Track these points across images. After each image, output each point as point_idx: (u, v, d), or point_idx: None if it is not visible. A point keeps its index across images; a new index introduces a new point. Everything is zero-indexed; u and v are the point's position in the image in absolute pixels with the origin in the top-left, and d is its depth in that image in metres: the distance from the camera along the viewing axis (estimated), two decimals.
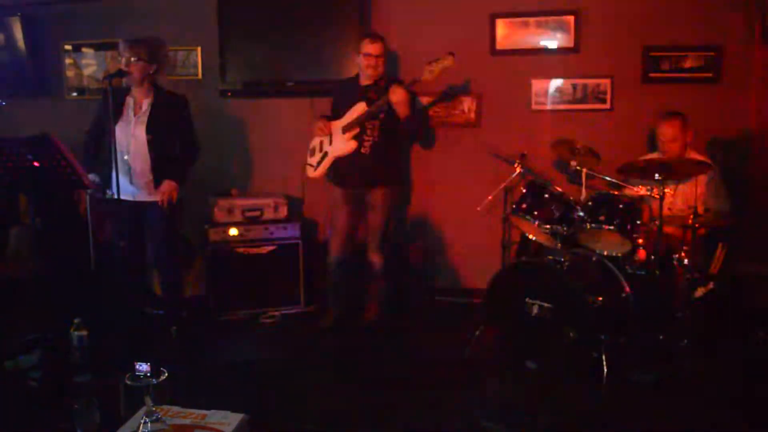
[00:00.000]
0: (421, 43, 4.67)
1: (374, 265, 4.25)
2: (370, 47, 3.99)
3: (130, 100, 3.77)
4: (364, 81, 4.11)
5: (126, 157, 3.71)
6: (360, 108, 4.04)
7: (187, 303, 4.34)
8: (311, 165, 4.31)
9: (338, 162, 4.17)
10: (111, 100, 3.47)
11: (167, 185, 3.79)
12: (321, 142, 4.26)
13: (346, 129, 4.08)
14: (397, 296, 4.63)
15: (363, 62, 4.02)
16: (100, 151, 3.83)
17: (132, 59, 3.63)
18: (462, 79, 4.59)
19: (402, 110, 3.91)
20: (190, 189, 4.02)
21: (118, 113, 3.66)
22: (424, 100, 4.66)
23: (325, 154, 4.21)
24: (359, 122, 4.03)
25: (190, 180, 4.00)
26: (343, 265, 4.29)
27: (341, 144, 4.12)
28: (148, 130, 3.72)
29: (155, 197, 3.79)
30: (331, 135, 4.19)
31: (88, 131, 3.91)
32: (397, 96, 3.83)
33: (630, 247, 3.55)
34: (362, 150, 4.07)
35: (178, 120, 3.87)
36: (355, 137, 4.07)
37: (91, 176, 3.73)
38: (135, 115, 3.75)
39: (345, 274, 4.32)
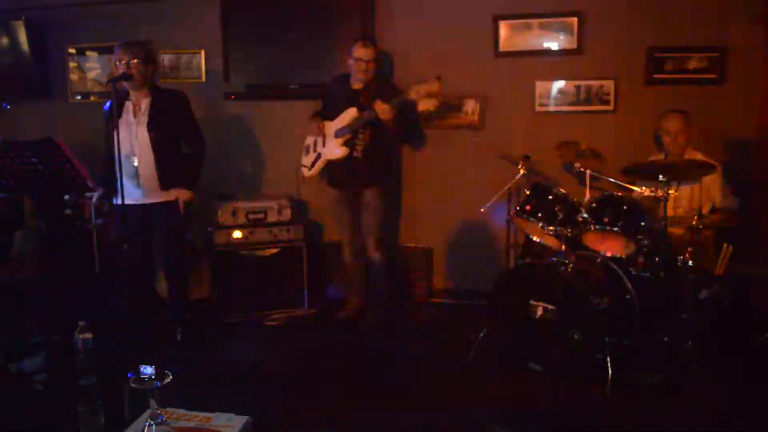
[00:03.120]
0: (424, 45, 4.68)
1: (375, 262, 4.30)
2: (362, 52, 4.03)
3: (129, 104, 3.77)
4: (355, 84, 4.15)
5: (133, 159, 3.72)
6: (351, 113, 4.08)
7: (192, 305, 4.35)
8: (305, 166, 4.39)
9: (332, 165, 4.23)
10: (115, 102, 3.48)
11: (183, 195, 3.82)
12: (315, 141, 4.32)
13: (338, 134, 4.14)
14: (399, 297, 4.65)
15: (354, 66, 4.07)
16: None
17: (133, 61, 3.63)
18: (464, 83, 4.59)
19: (390, 123, 3.99)
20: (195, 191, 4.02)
21: (119, 118, 3.66)
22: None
23: (318, 155, 4.27)
24: (351, 130, 4.09)
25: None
26: (358, 260, 4.40)
27: (333, 149, 4.17)
28: (150, 129, 3.73)
29: (163, 198, 3.81)
30: (324, 136, 4.24)
31: (105, 151, 3.82)
32: (384, 114, 3.88)
33: (634, 248, 3.55)
34: (355, 154, 4.14)
35: (180, 116, 3.87)
36: (346, 143, 4.12)
37: (97, 193, 3.75)
38: (135, 117, 3.75)
39: (361, 268, 4.43)
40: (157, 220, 3.87)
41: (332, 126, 4.19)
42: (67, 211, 3.96)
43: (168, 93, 3.87)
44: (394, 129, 4.10)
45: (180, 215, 3.86)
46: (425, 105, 3.97)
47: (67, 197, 3.83)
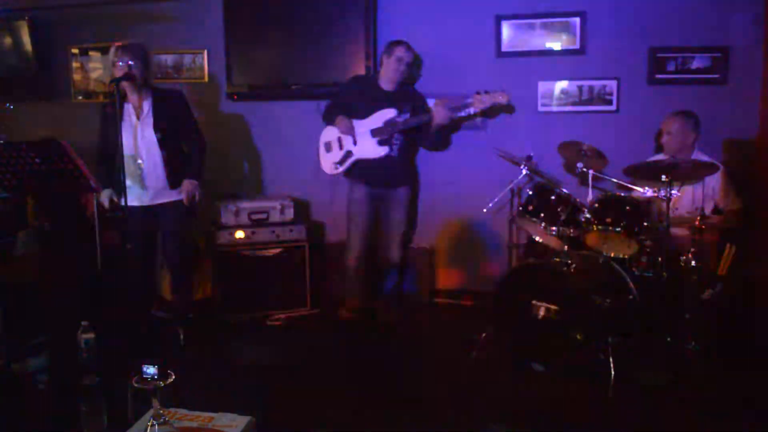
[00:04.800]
0: (426, 46, 4.68)
1: (393, 260, 4.36)
2: (406, 54, 4.13)
3: (129, 106, 3.76)
4: (387, 85, 4.20)
5: (139, 161, 3.72)
6: (389, 113, 4.13)
7: (194, 305, 4.35)
8: (335, 162, 4.32)
9: (365, 163, 4.22)
10: (118, 103, 3.47)
11: (189, 184, 3.81)
12: (339, 139, 4.29)
13: (375, 133, 4.15)
14: (403, 297, 4.65)
15: (392, 65, 4.13)
16: (113, 165, 3.78)
17: (131, 62, 3.62)
18: (466, 83, 4.58)
19: (437, 128, 4.11)
20: None
21: (120, 120, 3.65)
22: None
23: (348, 153, 4.25)
24: (392, 131, 4.12)
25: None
26: (362, 263, 4.36)
27: (370, 147, 4.18)
28: (156, 129, 3.73)
29: (169, 198, 3.82)
30: (354, 134, 4.21)
31: (98, 150, 3.83)
32: (441, 119, 4.07)
33: (637, 248, 3.54)
34: (391, 153, 4.19)
35: (181, 116, 3.87)
36: (384, 142, 4.15)
37: (107, 192, 3.73)
38: (138, 118, 3.75)
39: (363, 272, 4.39)
40: (162, 221, 3.88)
41: (364, 125, 4.19)
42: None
43: (167, 93, 3.88)
44: (436, 133, 4.22)
45: (184, 214, 3.86)
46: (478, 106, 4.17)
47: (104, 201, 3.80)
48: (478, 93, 4.08)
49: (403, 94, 4.22)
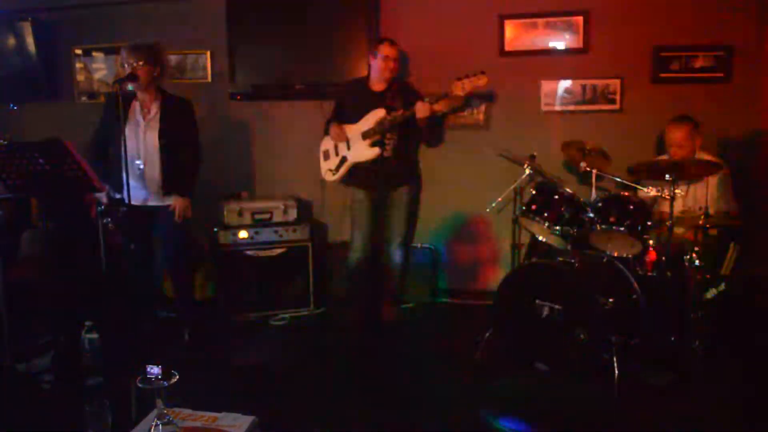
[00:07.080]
0: (429, 45, 4.68)
1: (395, 260, 4.32)
2: (390, 50, 4.08)
3: (136, 105, 3.77)
4: (377, 85, 4.17)
5: (138, 162, 3.72)
6: (379, 114, 4.08)
7: (198, 306, 4.36)
8: (330, 170, 4.35)
9: (360, 166, 4.21)
10: (122, 104, 3.48)
11: (180, 203, 3.81)
12: (336, 146, 4.29)
13: (366, 135, 4.12)
14: (406, 297, 4.65)
15: (381, 65, 4.08)
16: (108, 159, 3.79)
17: (138, 63, 3.63)
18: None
19: (424, 122, 4.01)
20: (199, 192, 4.02)
21: (125, 118, 3.65)
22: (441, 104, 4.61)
23: (343, 158, 4.25)
24: (381, 130, 4.07)
25: (199, 184, 3.99)
26: (364, 264, 4.33)
27: (362, 150, 4.15)
28: (161, 136, 3.74)
29: (165, 202, 3.81)
30: (348, 140, 4.21)
31: (93, 141, 3.86)
32: (423, 113, 3.92)
33: (640, 248, 3.54)
34: (385, 154, 4.14)
35: (185, 125, 3.88)
36: (376, 143, 4.11)
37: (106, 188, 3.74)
38: (144, 119, 3.76)
39: (365, 273, 4.37)
40: (161, 222, 3.88)
41: (356, 129, 4.18)
42: (107, 221, 3.94)
43: (176, 100, 3.88)
44: (425, 128, 4.13)
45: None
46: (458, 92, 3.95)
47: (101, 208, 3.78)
48: (458, 78, 3.91)
49: (393, 93, 4.14)
